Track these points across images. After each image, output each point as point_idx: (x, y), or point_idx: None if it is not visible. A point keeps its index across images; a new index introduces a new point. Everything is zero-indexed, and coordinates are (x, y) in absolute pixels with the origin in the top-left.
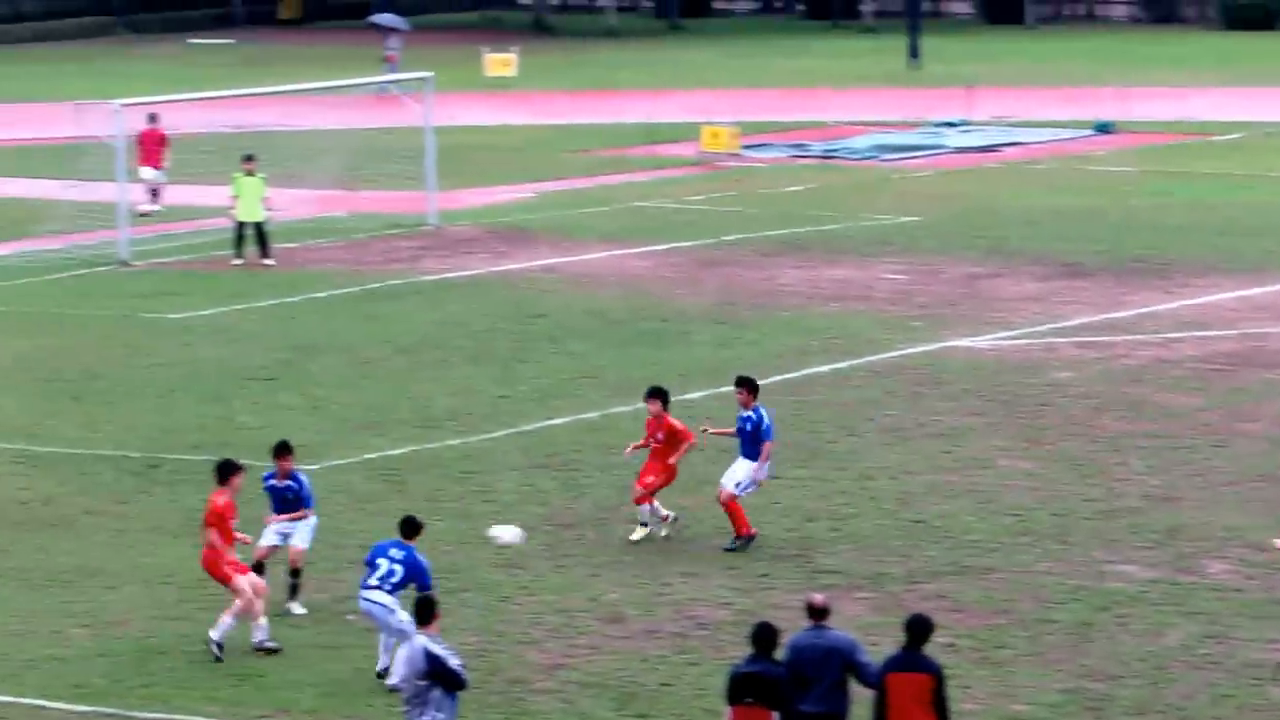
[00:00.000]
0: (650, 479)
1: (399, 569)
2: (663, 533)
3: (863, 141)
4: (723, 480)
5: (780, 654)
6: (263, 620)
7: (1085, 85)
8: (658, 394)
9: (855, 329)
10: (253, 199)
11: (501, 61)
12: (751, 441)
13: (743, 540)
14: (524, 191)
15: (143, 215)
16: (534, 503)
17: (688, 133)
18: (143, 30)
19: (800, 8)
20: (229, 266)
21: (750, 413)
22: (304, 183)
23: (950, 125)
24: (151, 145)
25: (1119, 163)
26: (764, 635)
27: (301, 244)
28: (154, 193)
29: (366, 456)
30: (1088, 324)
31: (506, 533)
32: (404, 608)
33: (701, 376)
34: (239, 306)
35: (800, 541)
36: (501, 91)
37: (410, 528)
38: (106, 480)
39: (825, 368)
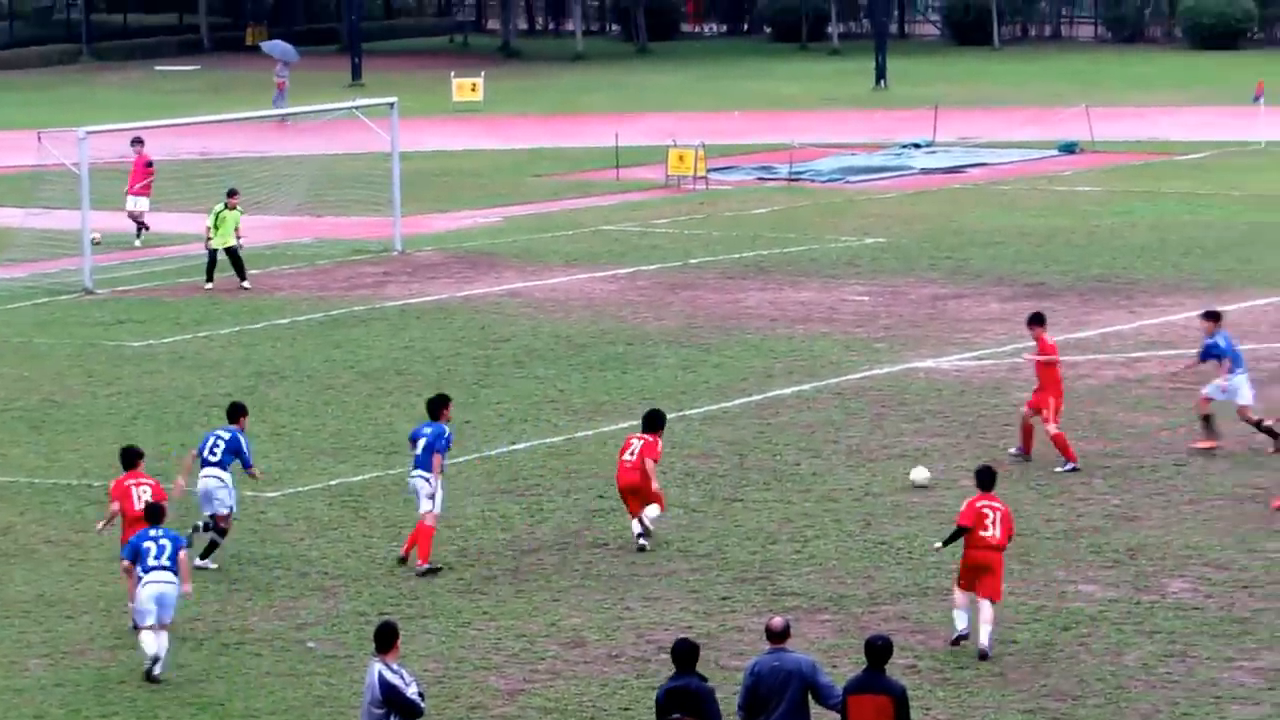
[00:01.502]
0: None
1: (166, 544)
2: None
3: (828, 164)
4: (431, 508)
5: (742, 677)
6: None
7: (1051, 106)
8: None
9: (820, 351)
10: (229, 230)
11: (468, 86)
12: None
13: (427, 570)
14: (490, 216)
15: (95, 243)
16: (496, 528)
17: (654, 156)
18: (108, 58)
19: (768, 31)
20: (195, 293)
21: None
22: (269, 209)
23: (916, 147)
24: (139, 172)
25: (1084, 183)
26: (683, 651)
27: (265, 270)
28: (137, 221)
29: (329, 483)
30: None
31: (921, 474)
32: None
33: (666, 400)
34: (202, 334)
35: (763, 564)
36: (468, 116)
37: (155, 512)
38: (67, 509)
39: (789, 390)
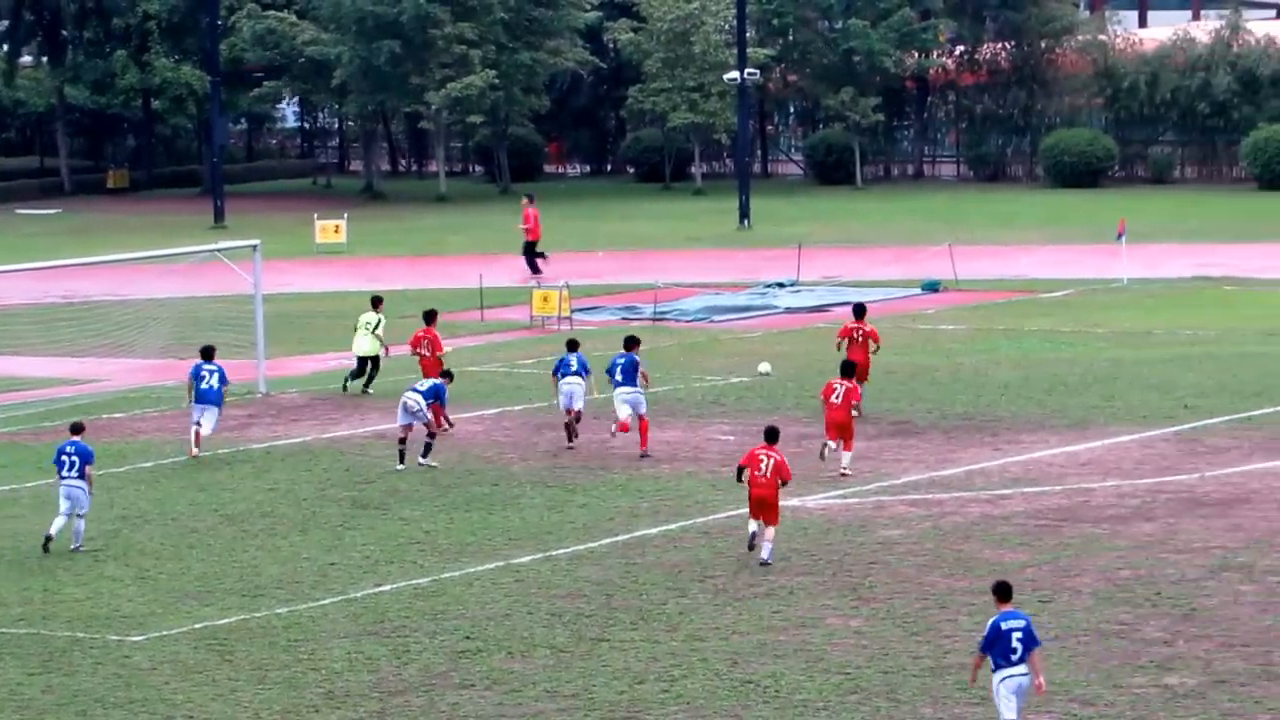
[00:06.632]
0: None
1: (76, 459)
2: None
3: (693, 303)
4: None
5: None
6: None
7: (914, 244)
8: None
9: (686, 490)
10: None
11: (331, 228)
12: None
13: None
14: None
15: None
16: (363, 670)
17: (518, 297)
18: None
19: (631, 171)
20: (58, 437)
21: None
22: (133, 352)
23: (780, 286)
24: None
25: (947, 321)
26: None
27: (129, 414)
28: None
29: (194, 626)
30: (916, 482)
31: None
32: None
33: (531, 540)
34: None
35: (630, 704)
36: (332, 258)
37: (76, 428)
38: None
39: (655, 529)
